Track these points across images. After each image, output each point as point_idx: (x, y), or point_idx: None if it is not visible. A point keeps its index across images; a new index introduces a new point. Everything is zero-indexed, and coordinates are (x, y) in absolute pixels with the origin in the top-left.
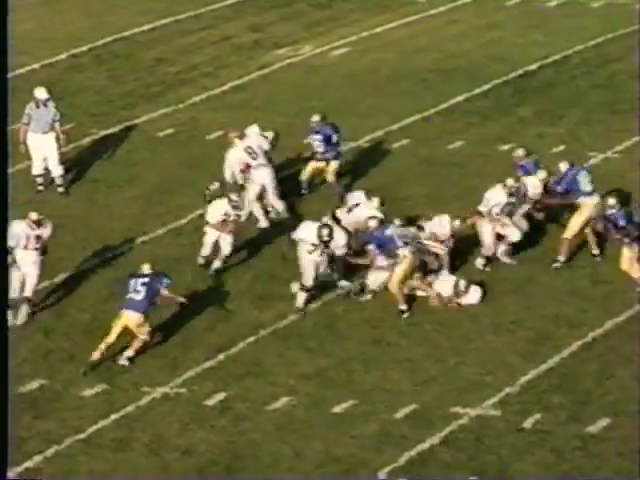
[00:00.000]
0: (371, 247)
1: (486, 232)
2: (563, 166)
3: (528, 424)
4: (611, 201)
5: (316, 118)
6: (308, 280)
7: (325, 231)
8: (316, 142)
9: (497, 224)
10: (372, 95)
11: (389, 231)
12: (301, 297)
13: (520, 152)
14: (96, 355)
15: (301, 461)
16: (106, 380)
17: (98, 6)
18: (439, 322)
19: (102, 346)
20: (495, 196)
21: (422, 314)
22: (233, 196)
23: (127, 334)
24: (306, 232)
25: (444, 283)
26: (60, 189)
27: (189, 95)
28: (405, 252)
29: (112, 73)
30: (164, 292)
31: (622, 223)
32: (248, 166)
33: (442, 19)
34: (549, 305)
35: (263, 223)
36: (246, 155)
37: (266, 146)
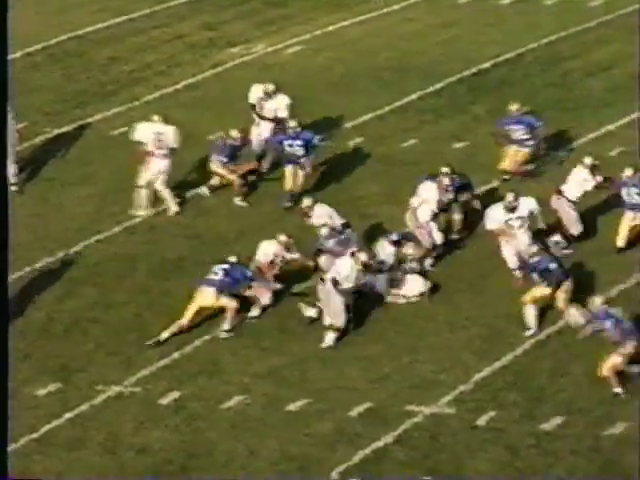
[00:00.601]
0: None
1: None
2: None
3: (482, 422)
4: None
5: (293, 124)
6: (341, 320)
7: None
8: (296, 147)
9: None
10: (326, 93)
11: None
12: (330, 337)
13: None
14: (165, 335)
15: (255, 459)
16: (60, 379)
17: (52, 5)
18: (394, 320)
19: (174, 328)
20: None
21: (378, 312)
22: (282, 237)
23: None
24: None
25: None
26: (14, 188)
27: (143, 94)
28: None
29: (66, 72)
30: (245, 289)
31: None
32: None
33: (396, 17)
34: (503, 303)
35: (173, 207)
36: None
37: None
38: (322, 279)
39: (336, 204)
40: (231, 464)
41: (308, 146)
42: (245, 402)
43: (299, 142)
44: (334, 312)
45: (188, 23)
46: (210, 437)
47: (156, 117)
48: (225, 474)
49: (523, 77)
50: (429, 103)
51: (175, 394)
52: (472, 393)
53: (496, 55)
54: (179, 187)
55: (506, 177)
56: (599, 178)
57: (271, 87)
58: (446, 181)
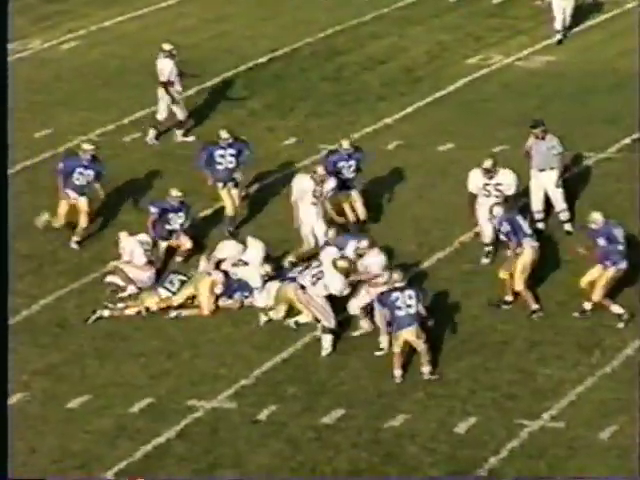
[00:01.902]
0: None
1: None
2: None
3: (263, 416)
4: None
5: (225, 135)
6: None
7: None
8: (229, 158)
9: None
10: (102, 88)
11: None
12: (327, 340)
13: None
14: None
15: (36, 457)
16: None
17: None
18: (174, 315)
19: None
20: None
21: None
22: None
23: None
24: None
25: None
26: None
27: None
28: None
29: None
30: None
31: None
32: None
33: (172, 12)
34: None
35: None
36: None
37: None
38: (303, 286)
39: (119, 198)
40: (11, 461)
41: (240, 158)
42: (25, 399)
43: (232, 151)
44: (322, 314)
45: None
46: None
47: None
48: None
49: (299, 71)
50: (205, 98)
51: None
52: (253, 387)
53: (272, 50)
54: None
55: None
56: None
57: (168, 47)
58: (320, 171)
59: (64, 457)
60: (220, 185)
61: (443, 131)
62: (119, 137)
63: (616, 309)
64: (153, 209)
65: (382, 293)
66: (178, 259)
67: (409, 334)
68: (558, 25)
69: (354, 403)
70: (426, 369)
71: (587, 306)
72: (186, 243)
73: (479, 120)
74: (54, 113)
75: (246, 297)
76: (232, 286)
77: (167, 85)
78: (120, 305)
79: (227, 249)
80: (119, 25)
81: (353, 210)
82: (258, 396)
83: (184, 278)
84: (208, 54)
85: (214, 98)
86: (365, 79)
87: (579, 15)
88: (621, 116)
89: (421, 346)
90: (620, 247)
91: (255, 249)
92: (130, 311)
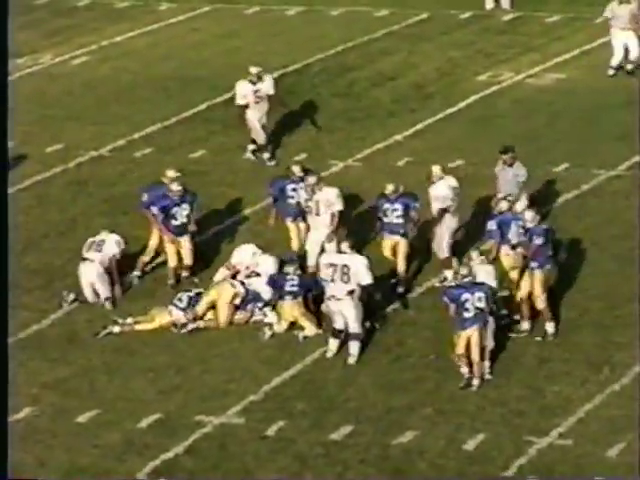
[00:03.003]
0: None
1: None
2: None
3: (271, 432)
4: None
5: (298, 170)
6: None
7: None
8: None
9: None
10: (113, 103)
11: None
12: (333, 343)
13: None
14: None
15: (45, 471)
16: None
17: None
18: (190, 329)
19: None
20: None
21: None
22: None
23: None
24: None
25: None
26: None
27: None
28: None
29: None
30: None
31: None
32: None
33: (182, 28)
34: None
35: None
36: None
37: None
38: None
39: (123, 214)
40: (19, 475)
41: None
42: (34, 413)
43: (303, 185)
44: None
45: None
46: None
47: None
48: None
49: (310, 87)
50: (216, 113)
51: None
52: (261, 403)
53: (283, 65)
54: None
55: None
56: None
57: (255, 70)
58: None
59: (72, 471)
60: (289, 220)
61: (453, 148)
62: (130, 152)
63: (547, 316)
64: (154, 209)
65: (451, 287)
66: (184, 274)
67: (473, 333)
68: (614, 61)
69: (362, 419)
70: (476, 382)
71: (549, 328)
72: (187, 258)
73: (489, 137)
74: (65, 128)
75: (259, 309)
76: (247, 297)
77: (244, 108)
78: (129, 320)
79: (242, 254)
80: (130, 40)
81: None
82: (267, 412)
83: (192, 294)
84: (218, 70)
85: (225, 114)
86: (376, 95)
87: (589, 33)
88: (631, 134)
89: (477, 352)
90: (549, 250)
91: (266, 264)
92: (142, 327)
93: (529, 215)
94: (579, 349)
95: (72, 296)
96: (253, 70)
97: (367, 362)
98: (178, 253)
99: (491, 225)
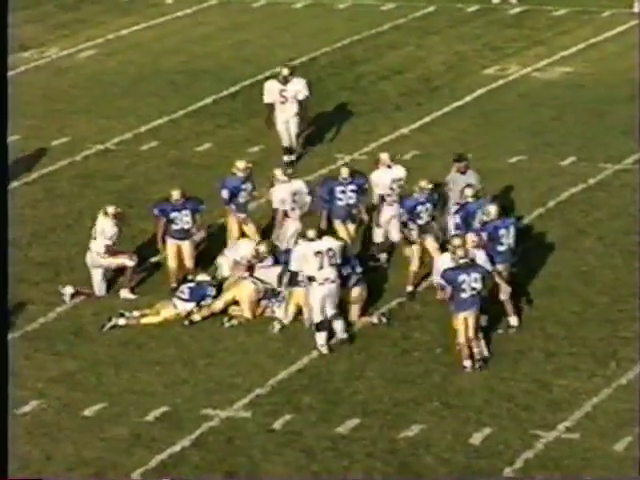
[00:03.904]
0: None
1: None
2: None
3: (278, 425)
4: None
5: (346, 173)
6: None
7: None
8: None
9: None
10: (119, 97)
11: None
12: (321, 337)
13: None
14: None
15: (51, 464)
16: None
17: None
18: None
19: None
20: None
21: None
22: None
23: None
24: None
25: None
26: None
27: None
28: None
29: None
30: None
31: None
32: None
33: (189, 21)
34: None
35: None
36: None
37: None
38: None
39: (129, 207)
40: (26, 469)
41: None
42: (40, 407)
43: (352, 187)
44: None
45: None
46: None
47: None
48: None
49: (317, 81)
50: (223, 107)
51: None
52: (268, 396)
53: (289, 59)
54: None
55: None
56: None
57: (286, 71)
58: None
59: (79, 465)
60: (338, 222)
61: (460, 141)
62: (136, 145)
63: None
64: (156, 211)
65: (448, 270)
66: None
67: (470, 315)
68: None
69: (369, 413)
70: (470, 360)
71: (512, 321)
72: (188, 263)
73: (496, 130)
74: (71, 121)
75: (272, 303)
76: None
77: (271, 107)
78: (136, 313)
79: (242, 248)
80: (136, 33)
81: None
82: (273, 405)
83: (192, 285)
84: (225, 63)
85: (231, 107)
86: (382, 89)
87: (596, 27)
88: (638, 127)
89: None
90: (500, 248)
91: (245, 247)
92: (147, 320)
93: (492, 209)
94: (585, 343)
95: (69, 289)
96: (284, 71)
97: (374, 356)
98: (179, 255)
99: (456, 219)
